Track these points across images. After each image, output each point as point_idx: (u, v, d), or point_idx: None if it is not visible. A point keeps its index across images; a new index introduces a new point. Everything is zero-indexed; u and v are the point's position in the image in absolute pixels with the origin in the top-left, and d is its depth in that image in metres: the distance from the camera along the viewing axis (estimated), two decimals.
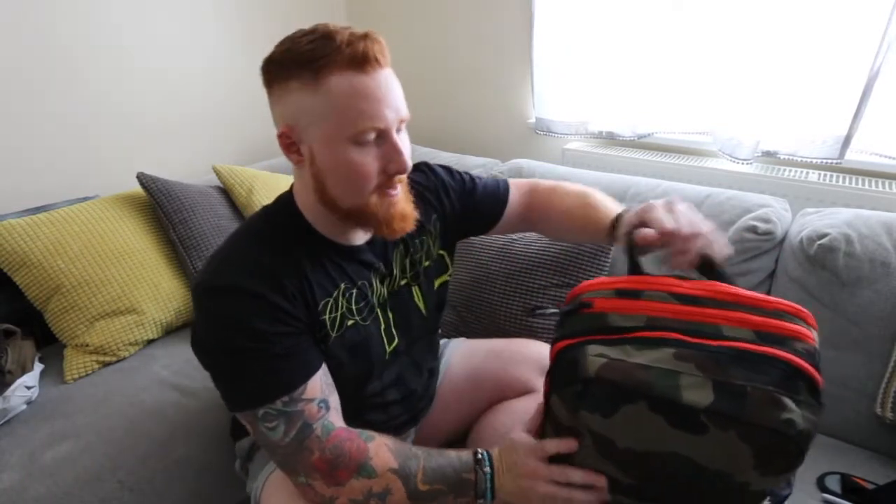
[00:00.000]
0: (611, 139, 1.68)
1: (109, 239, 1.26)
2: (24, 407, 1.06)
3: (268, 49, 0.65)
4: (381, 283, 0.78)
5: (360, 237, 0.76)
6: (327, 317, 0.70)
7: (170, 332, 1.32)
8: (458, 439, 0.98)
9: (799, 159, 1.39)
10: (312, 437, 0.64)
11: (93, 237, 1.23)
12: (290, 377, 0.65)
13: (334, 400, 0.70)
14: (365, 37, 0.61)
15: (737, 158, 1.44)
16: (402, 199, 0.70)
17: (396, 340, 0.81)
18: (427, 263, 0.85)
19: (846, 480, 0.89)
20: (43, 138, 1.37)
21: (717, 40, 1.40)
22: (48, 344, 1.25)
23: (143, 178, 1.35)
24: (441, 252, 0.88)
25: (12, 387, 1.03)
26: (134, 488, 0.93)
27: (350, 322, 0.73)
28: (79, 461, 0.95)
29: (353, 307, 0.74)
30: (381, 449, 0.66)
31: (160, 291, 1.29)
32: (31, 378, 1.09)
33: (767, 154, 1.44)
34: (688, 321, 0.58)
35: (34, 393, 1.09)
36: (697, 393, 0.52)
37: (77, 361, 1.17)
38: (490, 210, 0.92)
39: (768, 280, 1.12)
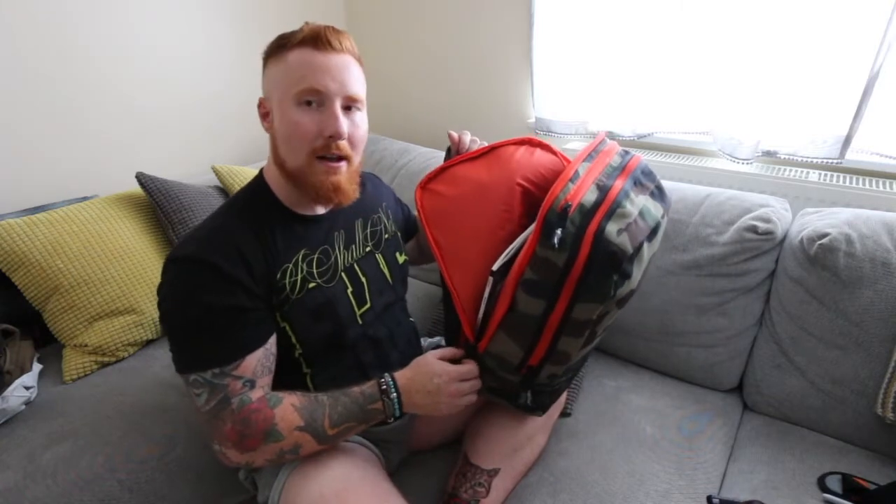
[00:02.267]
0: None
1: (108, 239, 1.26)
2: (23, 407, 1.06)
3: None
4: (346, 248, 0.85)
5: (322, 207, 0.83)
6: (287, 280, 0.76)
7: None
8: (455, 435, 0.98)
9: (799, 159, 1.39)
10: (228, 409, 0.69)
11: (92, 237, 1.23)
12: (226, 352, 0.70)
13: (265, 380, 0.74)
14: (329, 26, 0.71)
15: (737, 158, 1.44)
16: (343, 175, 0.75)
17: (368, 304, 0.85)
18: (387, 236, 0.94)
19: (847, 480, 0.90)
20: (42, 138, 1.37)
21: (718, 40, 1.40)
22: (47, 344, 1.24)
23: (142, 178, 1.34)
24: (396, 232, 0.97)
25: (11, 387, 1.02)
26: (133, 488, 0.92)
27: (311, 285, 0.78)
28: (78, 461, 0.94)
29: (314, 271, 0.79)
30: (287, 411, 0.71)
31: None
32: (30, 378, 1.09)
33: (767, 154, 1.43)
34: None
35: (33, 393, 1.08)
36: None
37: (76, 362, 1.17)
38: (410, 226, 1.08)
39: (769, 280, 1.12)
